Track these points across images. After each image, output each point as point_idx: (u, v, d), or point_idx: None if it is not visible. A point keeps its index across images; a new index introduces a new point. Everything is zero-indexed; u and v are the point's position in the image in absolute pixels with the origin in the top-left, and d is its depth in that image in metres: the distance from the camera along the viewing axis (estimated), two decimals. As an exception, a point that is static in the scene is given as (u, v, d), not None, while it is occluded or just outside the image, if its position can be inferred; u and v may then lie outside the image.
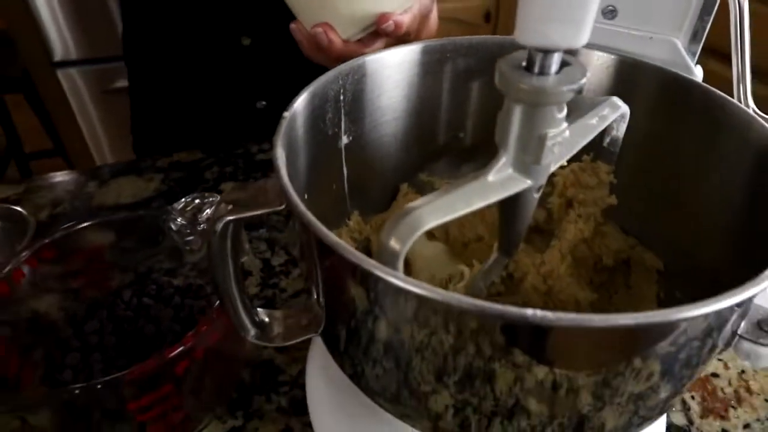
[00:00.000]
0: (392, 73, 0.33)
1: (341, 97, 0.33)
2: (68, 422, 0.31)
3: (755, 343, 0.25)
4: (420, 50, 0.33)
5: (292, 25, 0.44)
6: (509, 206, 0.25)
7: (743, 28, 0.32)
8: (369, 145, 0.37)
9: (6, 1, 1.40)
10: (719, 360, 0.41)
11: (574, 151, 0.25)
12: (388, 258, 0.21)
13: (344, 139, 0.35)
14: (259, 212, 0.26)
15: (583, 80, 0.21)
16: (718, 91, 0.29)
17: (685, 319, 0.19)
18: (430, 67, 0.34)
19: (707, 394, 0.39)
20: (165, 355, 0.29)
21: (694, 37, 0.33)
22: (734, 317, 0.22)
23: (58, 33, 1.47)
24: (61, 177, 0.61)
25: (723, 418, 0.38)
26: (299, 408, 0.38)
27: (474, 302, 0.17)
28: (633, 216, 0.36)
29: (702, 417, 0.38)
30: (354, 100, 0.33)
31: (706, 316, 0.18)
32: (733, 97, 0.32)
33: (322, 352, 0.40)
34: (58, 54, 1.48)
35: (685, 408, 0.38)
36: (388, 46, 0.43)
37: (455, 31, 1.71)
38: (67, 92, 1.53)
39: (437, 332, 0.20)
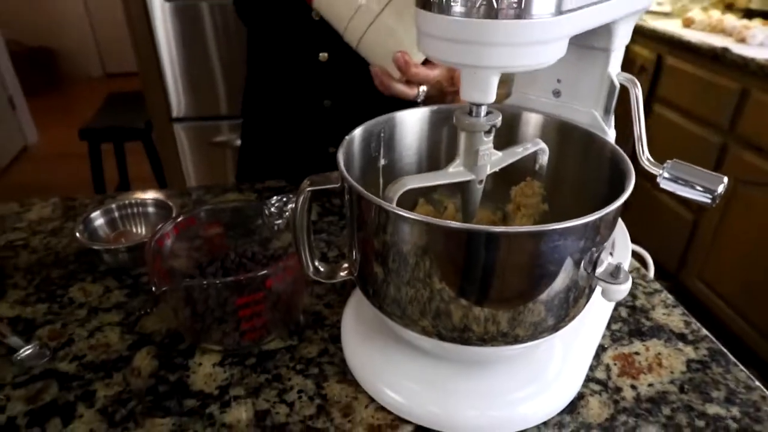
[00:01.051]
0: (413, 123, 0.54)
1: (381, 134, 0.54)
2: (192, 310, 0.51)
3: (608, 282, 0.41)
4: (429, 111, 0.54)
5: (372, 68, 0.65)
6: (464, 192, 0.44)
7: (639, 108, 0.51)
8: (397, 168, 0.57)
9: (143, 68, 1.78)
10: (642, 343, 0.56)
11: (505, 164, 0.44)
12: (387, 202, 0.40)
13: (382, 161, 0.55)
14: (326, 187, 0.46)
15: (497, 120, 0.40)
16: (600, 135, 0.48)
17: (557, 230, 0.36)
18: (435, 122, 0.54)
19: (627, 364, 0.54)
20: (259, 272, 0.49)
21: (606, 110, 0.51)
22: (583, 240, 0.38)
23: (176, 94, 1.82)
24: (187, 191, 0.85)
25: (634, 378, 0.52)
26: (335, 339, 0.56)
27: (437, 220, 0.36)
28: (553, 215, 0.53)
29: (618, 376, 0.52)
30: (389, 137, 0.54)
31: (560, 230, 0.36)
32: (641, 150, 0.50)
33: (353, 306, 0.58)
34: (176, 111, 1.83)
35: (608, 369, 0.53)
36: (432, 85, 0.64)
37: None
38: (178, 143, 1.86)
39: (425, 249, 0.39)
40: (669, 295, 0.63)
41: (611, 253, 0.45)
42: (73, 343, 0.56)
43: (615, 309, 0.61)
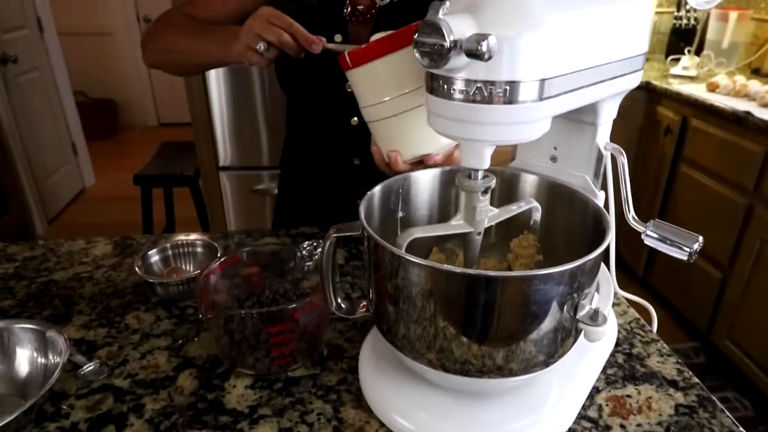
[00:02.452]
0: (426, 182, 0.62)
1: (400, 190, 0.62)
2: (230, 338, 0.59)
3: (588, 325, 0.48)
4: (440, 172, 0.62)
5: (373, 147, 0.74)
6: (466, 242, 0.52)
7: (625, 174, 0.58)
8: (413, 220, 0.65)
9: (196, 121, 1.95)
10: (635, 387, 0.61)
11: (500, 219, 0.52)
12: (397, 249, 0.48)
13: (400, 213, 0.63)
14: (348, 234, 0.54)
15: (492, 182, 0.48)
16: (585, 195, 0.55)
17: (537, 276, 0.43)
18: (445, 181, 0.62)
19: (618, 405, 0.58)
20: (289, 306, 0.57)
21: (596, 174, 0.59)
22: (563, 285, 0.45)
23: (224, 145, 1.97)
24: (229, 233, 0.95)
25: (624, 418, 0.57)
26: (353, 370, 0.63)
27: (444, 266, 0.44)
28: (546, 263, 0.60)
29: (609, 416, 0.57)
30: (405, 193, 0.62)
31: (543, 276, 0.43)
32: (627, 210, 0.57)
33: (371, 341, 0.65)
34: (222, 160, 1.98)
35: (600, 409, 0.58)
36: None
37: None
38: (222, 189, 2.00)
39: (429, 290, 0.46)
40: (665, 345, 0.68)
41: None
42: (127, 363, 0.64)
43: (612, 355, 0.66)
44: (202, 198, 2.17)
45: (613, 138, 0.60)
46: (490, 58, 0.40)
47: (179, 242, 0.81)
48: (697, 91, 2.06)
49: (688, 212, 2.09)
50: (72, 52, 3.95)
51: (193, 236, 0.89)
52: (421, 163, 0.68)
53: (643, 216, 1.99)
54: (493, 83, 0.42)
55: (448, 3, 0.41)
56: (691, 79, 2.28)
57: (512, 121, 0.44)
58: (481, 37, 0.39)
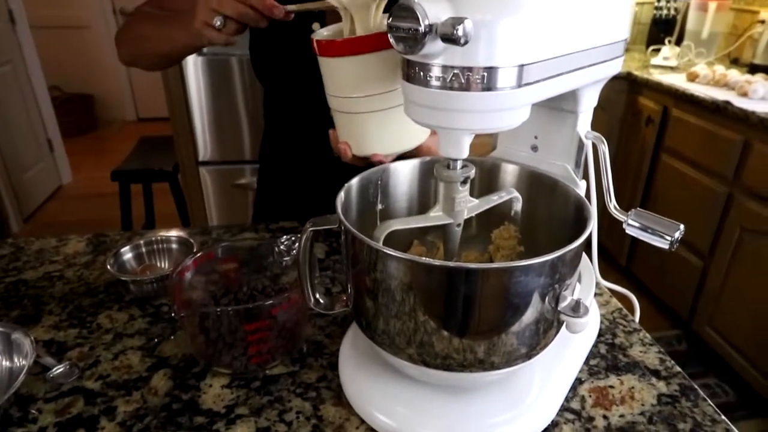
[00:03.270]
0: (405, 173, 0.61)
1: (379, 182, 0.61)
2: (206, 336, 0.58)
3: (569, 316, 0.47)
4: (419, 163, 0.61)
5: (330, 130, 0.72)
6: (445, 234, 0.50)
7: (606, 163, 0.57)
8: (393, 212, 0.63)
9: (174, 115, 1.91)
10: (618, 377, 0.60)
11: (480, 210, 0.50)
12: (375, 242, 0.47)
13: (379, 205, 0.62)
14: (325, 227, 0.53)
15: (471, 172, 0.47)
16: (566, 184, 0.54)
17: (517, 267, 0.42)
18: (425, 172, 0.61)
19: (601, 396, 0.58)
20: (266, 302, 0.56)
21: (577, 164, 0.58)
22: (544, 276, 0.44)
23: (203, 140, 1.94)
24: (207, 229, 0.93)
25: (606, 409, 0.56)
26: (333, 367, 0.62)
27: (421, 258, 0.43)
28: (528, 253, 0.59)
29: (592, 407, 0.56)
30: (384, 185, 0.61)
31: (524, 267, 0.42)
32: (609, 199, 0.56)
33: (351, 337, 0.64)
34: (202, 155, 1.94)
35: (582, 401, 0.57)
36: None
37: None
38: (203, 185, 1.97)
39: (409, 284, 0.45)
40: (647, 335, 0.67)
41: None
42: (99, 364, 0.62)
43: (595, 345, 0.65)
44: (182, 193, 2.14)
45: (595, 128, 0.59)
46: (466, 42, 0.38)
47: (153, 239, 0.79)
48: (678, 81, 2.07)
49: (669, 201, 2.11)
50: (46, 46, 3.86)
51: (168, 232, 0.86)
52: (366, 159, 0.67)
53: (625, 205, 2.00)
54: (470, 69, 0.41)
55: (422, -15, 0.39)
56: (672, 69, 2.29)
57: (491, 108, 0.43)
58: (457, 21, 0.38)
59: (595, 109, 0.60)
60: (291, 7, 0.68)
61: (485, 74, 0.41)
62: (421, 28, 0.38)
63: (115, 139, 4.45)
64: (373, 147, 0.68)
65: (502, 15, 0.40)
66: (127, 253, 0.77)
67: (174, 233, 0.82)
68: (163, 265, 0.79)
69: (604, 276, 0.69)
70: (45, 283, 0.78)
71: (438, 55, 0.41)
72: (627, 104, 2.29)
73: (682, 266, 2.01)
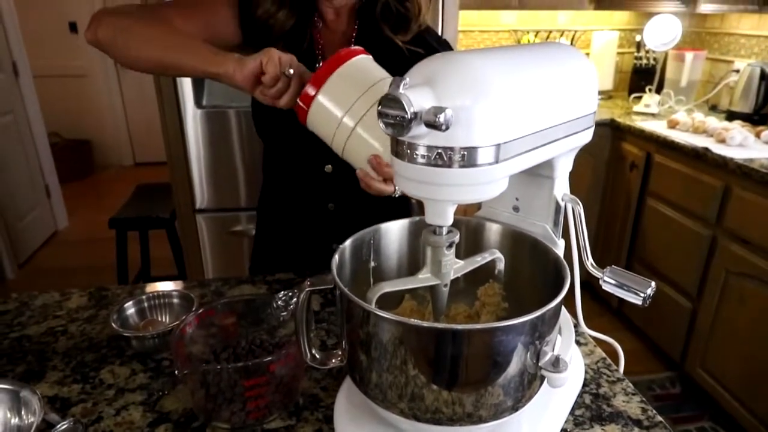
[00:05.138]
0: (395, 233, 0.65)
1: (371, 241, 0.65)
2: (206, 391, 0.60)
3: (549, 372, 0.50)
4: (409, 222, 0.65)
5: (357, 172, 0.74)
6: (433, 294, 0.54)
7: (582, 223, 0.61)
8: (385, 268, 0.67)
9: (172, 164, 1.96)
10: (602, 428, 0.63)
11: (467, 270, 0.54)
12: (368, 303, 0.50)
13: (372, 263, 0.66)
14: (322, 287, 0.56)
15: (456, 237, 0.51)
16: (546, 244, 0.58)
17: (498, 327, 0.46)
18: (414, 231, 0.65)
19: (586, 446, 0.60)
20: (264, 359, 0.59)
21: (555, 223, 0.62)
22: (524, 335, 0.48)
23: (201, 188, 1.98)
24: (206, 282, 0.96)
25: (591, 459, 0.59)
26: (329, 420, 0.64)
27: (411, 320, 0.46)
28: (512, 311, 0.62)
29: (578, 457, 0.59)
30: (377, 243, 0.65)
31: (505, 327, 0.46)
32: (586, 257, 0.60)
33: (346, 390, 0.66)
34: (199, 203, 1.98)
35: (568, 451, 0.60)
36: None
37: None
38: (199, 232, 2.00)
39: (399, 342, 0.48)
40: (630, 384, 0.70)
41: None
42: (102, 420, 0.64)
43: (580, 396, 0.68)
44: (179, 240, 2.16)
45: (582, 172, 0.64)
46: (447, 128, 0.43)
47: (155, 294, 0.82)
48: (659, 127, 2.16)
49: (657, 244, 2.16)
50: (47, 94, 3.95)
51: (169, 286, 0.90)
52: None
53: (615, 247, 2.06)
54: (452, 149, 0.46)
55: (408, 78, 0.44)
56: (653, 116, 2.39)
57: (471, 182, 0.48)
58: (439, 110, 0.42)
59: (582, 153, 0.64)
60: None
61: (465, 153, 0.46)
62: (408, 116, 0.43)
63: (111, 183, 4.49)
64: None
65: (478, 100, 0.45)
66: (130, 308, 0.80)
67: (174, 288, 0.85)
68: (164, 319, 0.82)
69: (595, 318, 0.73)
70: (49, 338, 0.80)
71: (423, 137, 0.46)
72: (612, 150, 2.37)
73: (673, 308, 2.04)
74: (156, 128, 1.98)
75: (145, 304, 0.81)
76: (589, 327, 0.70)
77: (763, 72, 2.19)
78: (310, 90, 0.71)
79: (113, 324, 0.75)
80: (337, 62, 0.71)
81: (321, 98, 0.71)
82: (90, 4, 4.31)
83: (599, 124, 2.35)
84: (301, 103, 0.73)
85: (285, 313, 0.71)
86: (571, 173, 0.64)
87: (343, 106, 0.71)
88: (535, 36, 2.75)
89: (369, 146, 0.72)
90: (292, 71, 0.72)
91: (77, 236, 3.47)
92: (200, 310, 0.71)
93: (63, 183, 3.66)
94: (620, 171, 2.32)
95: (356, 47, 0.75)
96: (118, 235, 2.21)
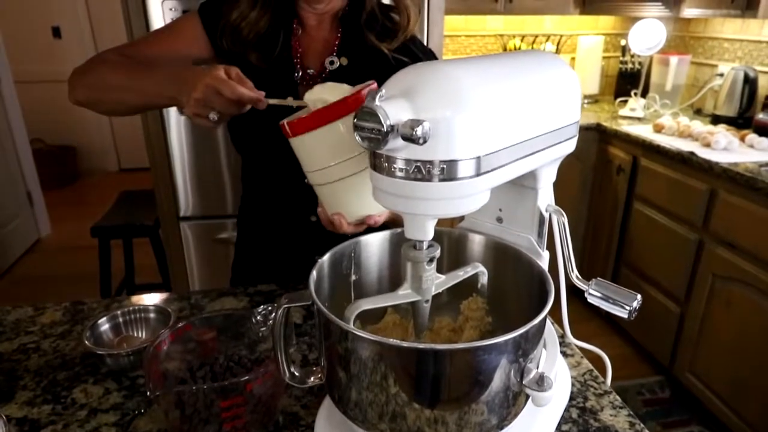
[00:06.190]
0: (376, 245, 0.63)
1: (352, 254, 0.63)
2: (181, 412, 0.58)
3: (534, 390, 0.48)
4: (390, 234, 0.63)
5: (319, 209, 0.74)
6: (414, 309, 0.52)
7: (566, 235, 0.60)
8: (366, 282, 0.65)
9: (156, 172, 1.93)
10: (588, 444, 0.61)
11: (448, 285, 0.53)
12: (345, 322, 0.49)
13: (353, 276, 0.64)
14: (299, 304, 0.54)
15: (437, 252, 0.50)
16: (529, 256, 0.57)
17: (480, 346, 0.44)
18: (396, 243, 0.63)
19: (573, 463, 0.59)
20: (242, 378, 0.57)
21: (539, 234, 0.61)
22: (507, 353, 0.46)
23: (185, 195, 1.95)
24: (186, 294, 0.94)
25: (578, 477, 0.57)
26: (309, 439, 0.62)
27: (391, 340, 0.44)
28: (496, 325, 0.61)
29: (564, 475, 0.57)
30: (357, 257, 0.63)
31: (489, 346, 0.44)
32: (571, 269, 0.59)
33: (326, 408, 0.64)
34: (183, 210, 1.95)
35: (555, 469, 0.58)
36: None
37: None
38: (183, 240, 1.97)
39: (378, 361, 0.46)
40: (617, 397, 0.69)
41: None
42: (72, 443, 0.62)
43: (566, 410, 0.66)
44: (163, 248, 2.13)
45: (570, 177, 0.62)
46: (425, 142, 0.41)
47: (130, 309, 0.80)
48: (645, 131, 2.16)
49: (644, 247, 2.16)
50: (31, 100, 3.89)
51: (148, 299, 0.87)
52: (363, 222, 0.70)
53: (602, 252, 2.05)
54: (431, 162, 0.44)
55: (384, 90, 0.43)
56: (639, 120, 2.40)
57: (451, 196, 0.46)
58: (416, 123, 0.41)
59: (569, 157, 0.62)
60: (272, 101, 0.73)
61: (444, 167, 0.44)
62: (384, 128, 0.42)
63: (96, 189, 4.43)
64: (363, 209, 0.69)
65: (457, 112, 0.44)
66: (104, 324, 0.77)
67: (151, 302, 0.83)
68: (140, 335, 0.79)
69: (583, 323, 0.72)
70: (20, 355, 0.78)
71: (401, 150, 0.44)
72: (598, 153, 2.37)
73: (661, 312, 2.04)
74: (141, 133, 1.94)
75: (120, 320, 0.78)
76: (578, 332, 0.69)
77: (746, 76, 2.21)
78: (315, 118, 0.65)
79: (86, 341, 0.72)
80: (345, 109, 0.64)
81: (321, 132, 0.65)
82: (73, 9, 4.27)
83: (586, 128, 2.35)
84: (294, 124, 0.67)
85: (264, 328, 0.69)
86: (557, 177, 0.63)
87: (341, 153, 0.66)
88: (521, 41, 2.75)
89: (343, 201, 0.70)
90: (215, 117, 0.72)
91: (60, 244, 3.42)
92: (177, 326, 0.68)
93: (47, 189, 3.60)
94: (607, 175, 2.32)
95: (364, 92, 0.66)
96: (101, 244, 2.17)
